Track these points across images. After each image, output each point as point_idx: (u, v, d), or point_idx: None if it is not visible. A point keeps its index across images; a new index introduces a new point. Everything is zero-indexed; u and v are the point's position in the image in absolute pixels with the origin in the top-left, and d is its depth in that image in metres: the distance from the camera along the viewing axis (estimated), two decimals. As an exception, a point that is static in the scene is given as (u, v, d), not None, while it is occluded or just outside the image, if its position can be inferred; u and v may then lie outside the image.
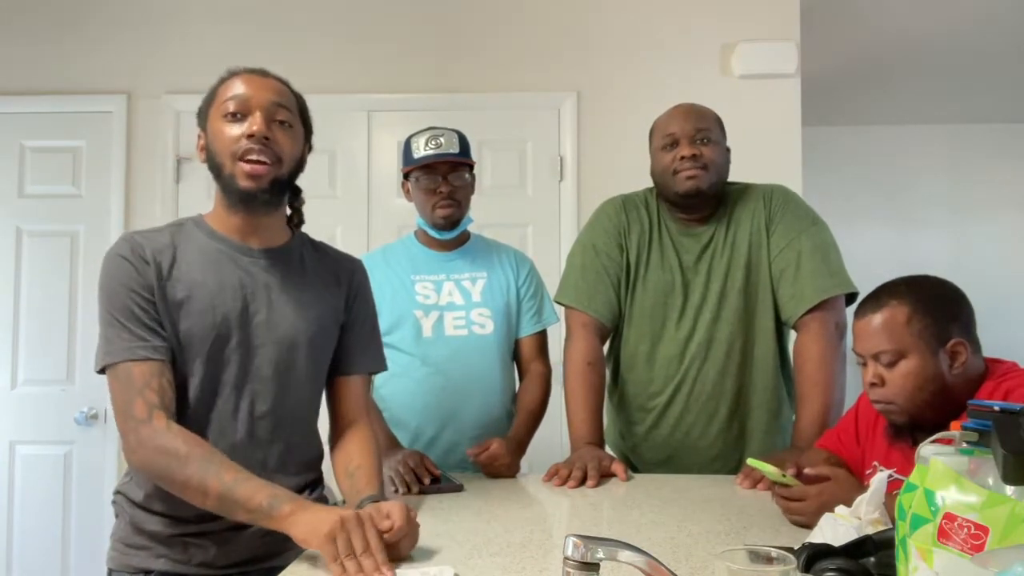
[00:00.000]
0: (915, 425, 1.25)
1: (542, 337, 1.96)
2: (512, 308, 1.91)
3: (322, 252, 1.40)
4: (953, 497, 0.71)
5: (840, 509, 1.07)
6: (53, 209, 3.00)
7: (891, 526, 0.93)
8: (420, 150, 1.82)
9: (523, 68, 2.99)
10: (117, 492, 1.27)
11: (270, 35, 3.01)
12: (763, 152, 2.65)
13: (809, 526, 1.15)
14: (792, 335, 1.78)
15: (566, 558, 0.72)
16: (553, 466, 1.62)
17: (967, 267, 4.48)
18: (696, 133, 1.72)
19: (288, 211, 1.36)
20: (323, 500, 1.36)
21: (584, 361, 1.77)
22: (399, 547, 1.06)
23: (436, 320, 1.85)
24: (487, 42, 3.02)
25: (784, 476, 1.26)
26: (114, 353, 1.15)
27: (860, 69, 3.98)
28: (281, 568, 1.06)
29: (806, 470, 1.28)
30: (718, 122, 1.78)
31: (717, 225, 1.78)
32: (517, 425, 1.83)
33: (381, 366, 1.45)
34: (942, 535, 0.71)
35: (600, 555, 0.71)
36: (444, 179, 1.82)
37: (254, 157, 1.20)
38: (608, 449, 1.80)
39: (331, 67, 2.99)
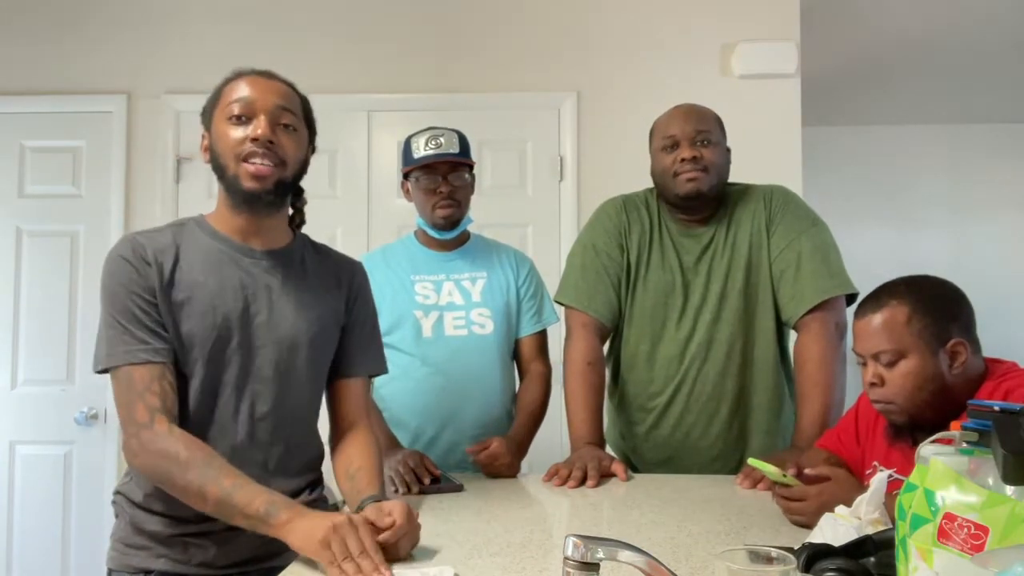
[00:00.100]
0: (915, 425, 1.25)
1: (542, 337, 1.96)
2: (512, 308, 1.91)
3: (323, 254, 1.40)
4: (953, 497, 0.71)
5: (840, 509, 1.07)
6: (53, 209, 3.00)
7: (891, 526, 0.93)
8: (420, 150, 1.82)
9: (523, 68, 2.99)
10: (117, 492, 1.28)
11: (270, 35, 3.01)
12: (763, 152, 2.65)
13: (809, 526, 1.15)
14: (792, 335, 1.78)
15: (566, 558, 0.72)
16: (553, 466, 1.62)
17: (967, 267, 4.48)
18: (696, 135, 1.72)
19: (290, 211, 1.36)
20: (323, 500, 1.36)
21: (584, 361, 1.77)
22: (399, 547, 1.06)
23: (436, 320, 1.85)
24: (487, 42, 3.02)
25: (784, 476, 1.26)
26: (115, 356, 1.16)
27: (860, 69, 3.98)
28: (281, 568, 1.06)
29: (806, 470, 1.28)
30: (718, 122, 1.78)
31: (717, 226, 1.78)
32: (517, 425, 1.83)
33: (381, 368, 1.45)
34: (942, 535, 0.71)
35: (600, 555, 0.72)
36: (444, 179, 1.82)
37: (257, 160, 1.20)
38: (608, 449, 1.80)
39: (331, 67, 2.99)
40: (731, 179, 1.81)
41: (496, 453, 1.67)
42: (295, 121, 1.26)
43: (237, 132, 1.21)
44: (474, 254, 1.94)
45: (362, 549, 1.00)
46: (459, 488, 1.55)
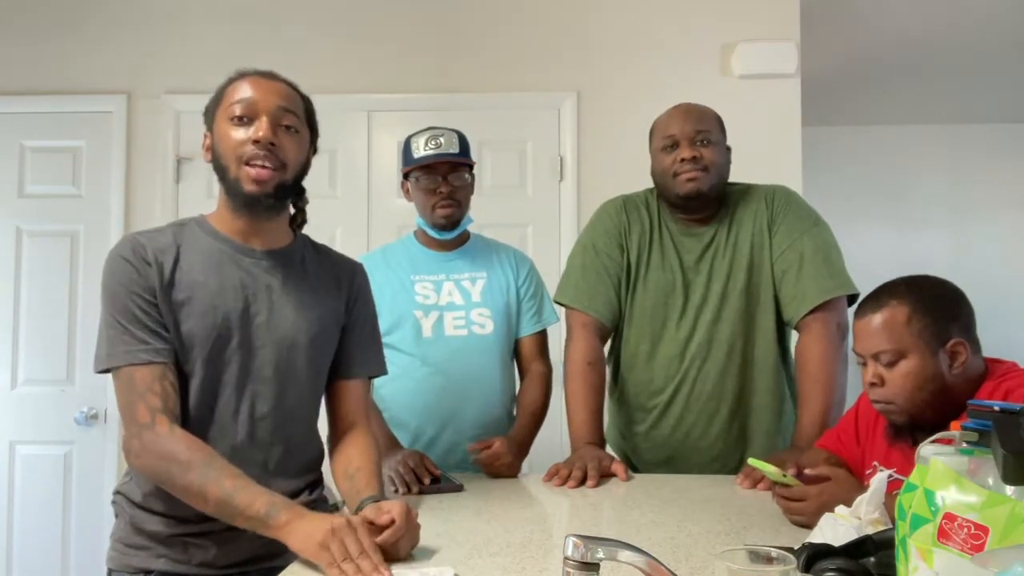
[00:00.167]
0: (915, 425, 1.25)
1: (542, 337, 1.96)
2: (512, 308, 1.91)
3: (323, 254, 1.40)
4: (953, 497, 0.71)
5: (840, 509, 1.07)
6: (53, 209, 3.00)
7: (891, 526, 0.93)
8: (420, 150, 1.82)
9: (523, 68, 2.99)
10: (117, 492, 1.28)
11: (270, 35, 3.01)
12: (763, 152, 2.65)
13: (809, 526, 1.15)
14: (794, 336, 1.78)
15: (566, 558, 0.72)
16: (553, 466, 1.62)
17: (967, 267, 4.48)
18: (696, 135, 1.72)
19: (292, 211, 1.36)
20: (323, 501, 1.36)
21: (584, 361, 1.77)
22: (398, 547, 1.06)
23: (436, 320, 1.85)
24: (487, 42, 3.02)
25: (784, 476, 1.26)
26: (116, 356, 1.16)
27: (860, 69, 3.98)
28: (281, 568, 1.06)
29: (806, 470, 1.28)
30: (718, 122, 1.78)
31: (719, 225, 1.78)
32: (519, 426, 1.83)
33: (381, 369, 1.45)
34: (942, 535, 0.71)
35: (600, 555, 0.72)
36: (444, 179, 1.82)
37: (259, 163, 1.20)
38: (609, 449, 1.80)
39: (331, 67, 2.99)
40: (731, 179, 1.81)
41: (498, 453, 1.67)
42: (297, 123, 1.26)
43: (239, 133, 1.21)
44: (474, 254, 1.94)
45: (361, 550, 1.00)
46: (459, 488, 1.55)
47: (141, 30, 3.03)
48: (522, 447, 1.79)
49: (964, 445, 0.76)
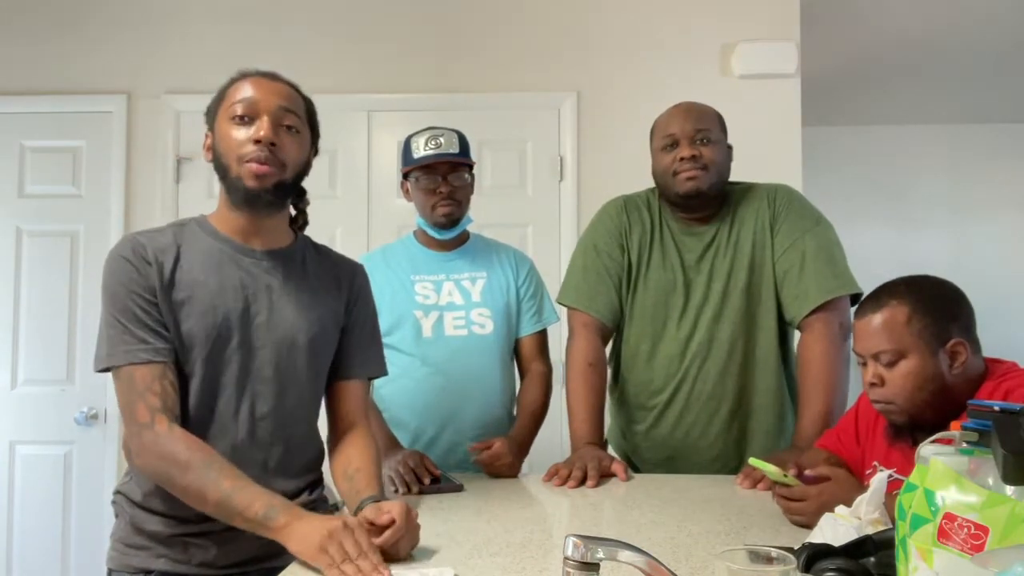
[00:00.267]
0: (915, 425, 1.25)
1: (542, 337, 1.96)
2: (512, 308, 1.91)
3: (323, 255, 1.40)
4: (953, 497, 0.71)
5: (840, 509, 1.07)
6: (53, 209, 3.00)
7: (891, 526, 0.93)
8: (420, 150, 1.82)
9: (523, 68, 2.99)
10: (117, 492, 1.28)
11: (270, 35, 3.01)
12: (763, 152, 2.64)
13: (809, 526, 1.15)
14: (796, 336, 1.77)
15: (566, 558, 0.72)
16: (553, 466, 1.62)
17: (967, 267, 4.48)
18: (696, 133, 1.72)
19: (293, 212, 1.36)
20: (323, 501, 1.36)
21: (585, 361, 1.77)
22: (398, 547, 1.06)
23: (436, 320, 1.85)
24: (487, 42, 3.02)
25: (784, 476, 1.26)
26: (116, 355, 1.16)
27: (860, 69, 3.98)
28: (281, 568, 1.06)
29: (806, 470, 1.28)
30: (719, 120, 1.78)
31: (720, 224, 1.78)
32: (519, 426, 1.83)
33: (381, 370, 1.45)
34: (942, 535, 0.71)
35: (600, 555, 0.71)
36: (444, 179, 1.82)
37: (260, 163, 1.20)
38: (609, 449, 1.80)
39: (331, 67, 2.99)
40: (731, 179, 1.81)
41: (499, 453, 1.67)
42: (298, 123, 1.26)
43: (240, 133, 1.21)
44: (474, 254, 1.94)
45: (360, 551, 1.01)
46: (459, 488, 1.55)
47: (141, 30, 3.03)
48: (522, 447, 1.79)
49: (964, 445, 0.76)
